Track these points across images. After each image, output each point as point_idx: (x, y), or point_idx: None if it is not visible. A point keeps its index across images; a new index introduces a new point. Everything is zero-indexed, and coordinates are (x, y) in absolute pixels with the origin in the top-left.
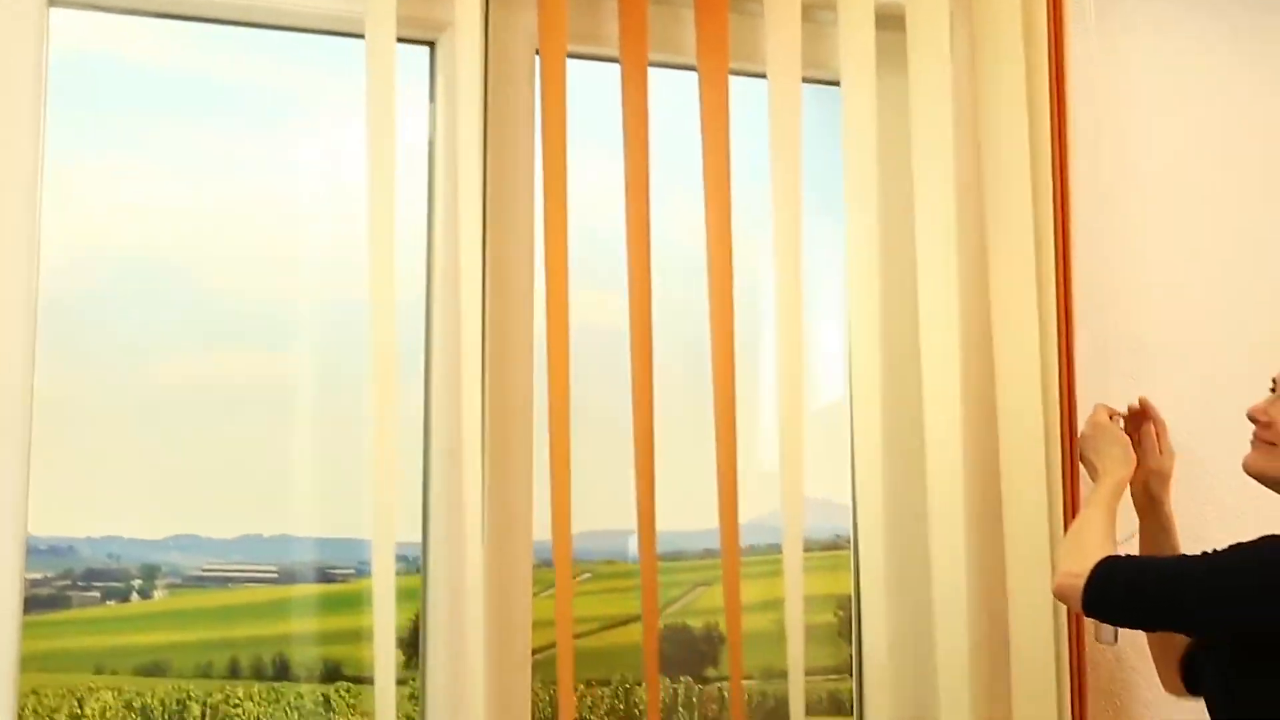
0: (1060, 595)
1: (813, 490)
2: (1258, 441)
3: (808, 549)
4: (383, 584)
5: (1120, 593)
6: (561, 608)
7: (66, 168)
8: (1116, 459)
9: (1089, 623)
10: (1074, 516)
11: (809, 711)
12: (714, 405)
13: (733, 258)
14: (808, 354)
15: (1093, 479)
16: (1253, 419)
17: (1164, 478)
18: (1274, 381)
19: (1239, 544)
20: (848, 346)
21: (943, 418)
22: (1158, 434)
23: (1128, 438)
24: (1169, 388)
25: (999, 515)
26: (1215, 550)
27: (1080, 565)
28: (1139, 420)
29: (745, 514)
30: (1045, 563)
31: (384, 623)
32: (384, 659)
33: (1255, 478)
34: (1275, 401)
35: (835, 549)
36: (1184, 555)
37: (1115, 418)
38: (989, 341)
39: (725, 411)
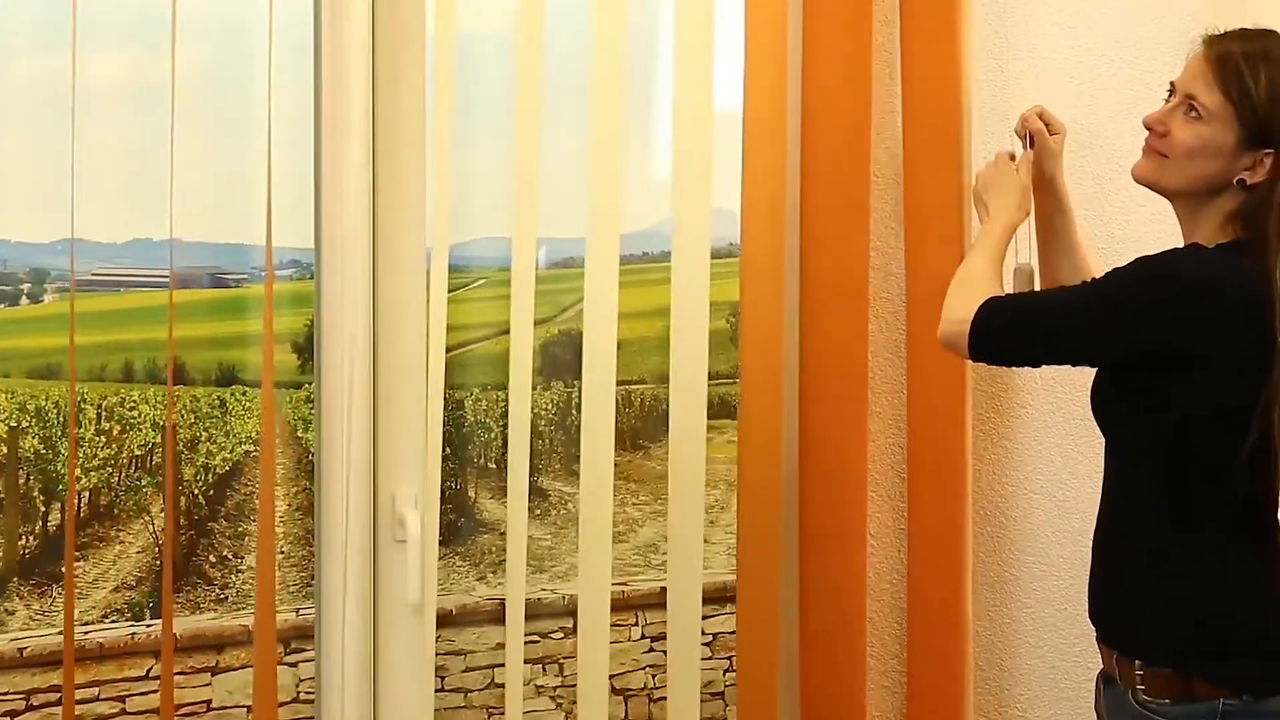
0: (946, 343)
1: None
2: (1149, 150)
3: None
4: None
5: (1002, 334)
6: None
7: None
8: (1010, 205)
9: None
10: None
11: None
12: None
13: None
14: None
15: (981, 220)
16: (1148, 126)
17: (1055, 155)
18: (1171, 86)
19: (1114, 270)
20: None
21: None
22: (1047, 121)
23: (1028, 184)
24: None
25: (897, 213)
26: (1092, 280)
27: (964, 311)
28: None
29: (640, 222)
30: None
31: None
32: None
33: (1145, 185)
34: (1172, 110)
35: (729, 257)
36: (1063, 288)
37: (1044, 116)
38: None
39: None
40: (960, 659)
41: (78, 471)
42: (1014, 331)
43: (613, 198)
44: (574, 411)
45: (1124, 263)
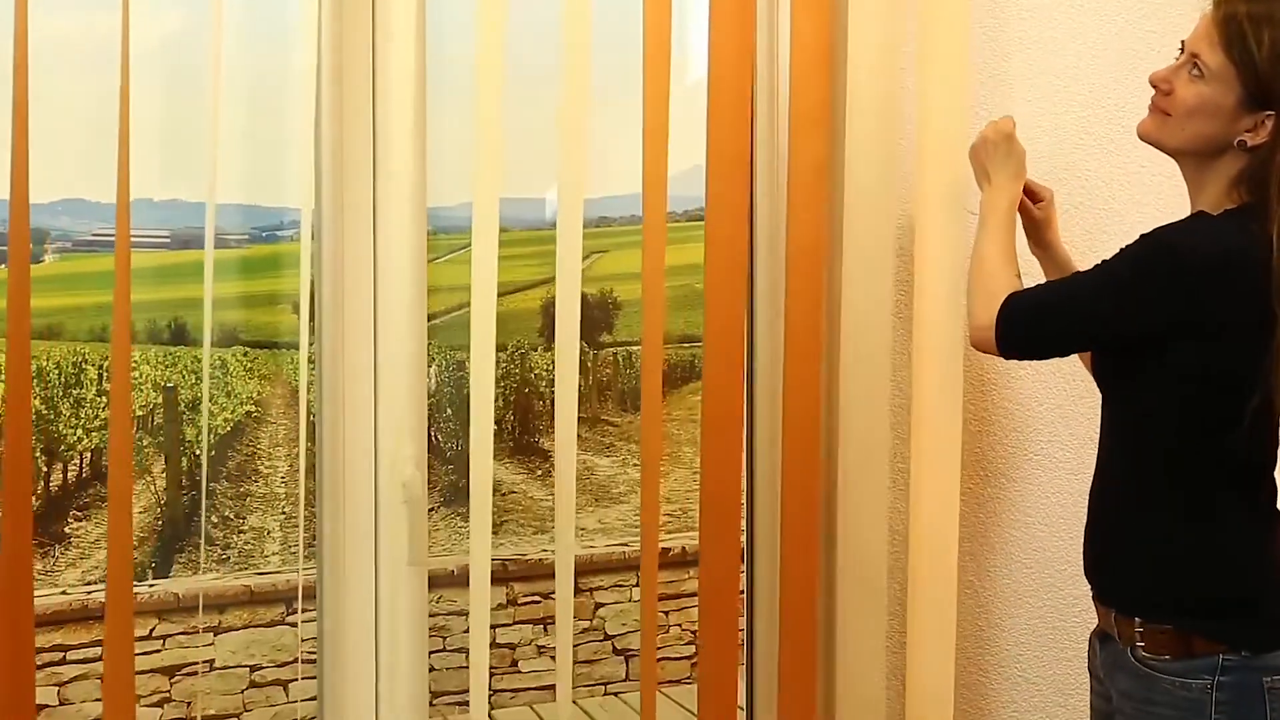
0: (980, 349)
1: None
2: (1154, 108)
3: (697, 218)
4: None
5: (1027, 334)
6: None
7: None
8: (1011, 173)
9: None
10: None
11: (695, 377)
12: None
13: None
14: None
15: (979, 185)
16: (1154, 84)
17: (1046, 224)
18: (1181, 45)
19: (1121, 250)
20: None
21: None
22: (1029, 192)
23: (1024, 152)
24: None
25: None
26: (1103, 262)
27: (987, 315)
28: None
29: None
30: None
31: None
32: None
33: (1148, 143)
34: (1178, 69)
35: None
36: (1077, 274)
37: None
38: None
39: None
40: (949, 618)
41: (79, 432)
42: (1036, 330)
43: (580, 160)
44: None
45: (1126, 227)
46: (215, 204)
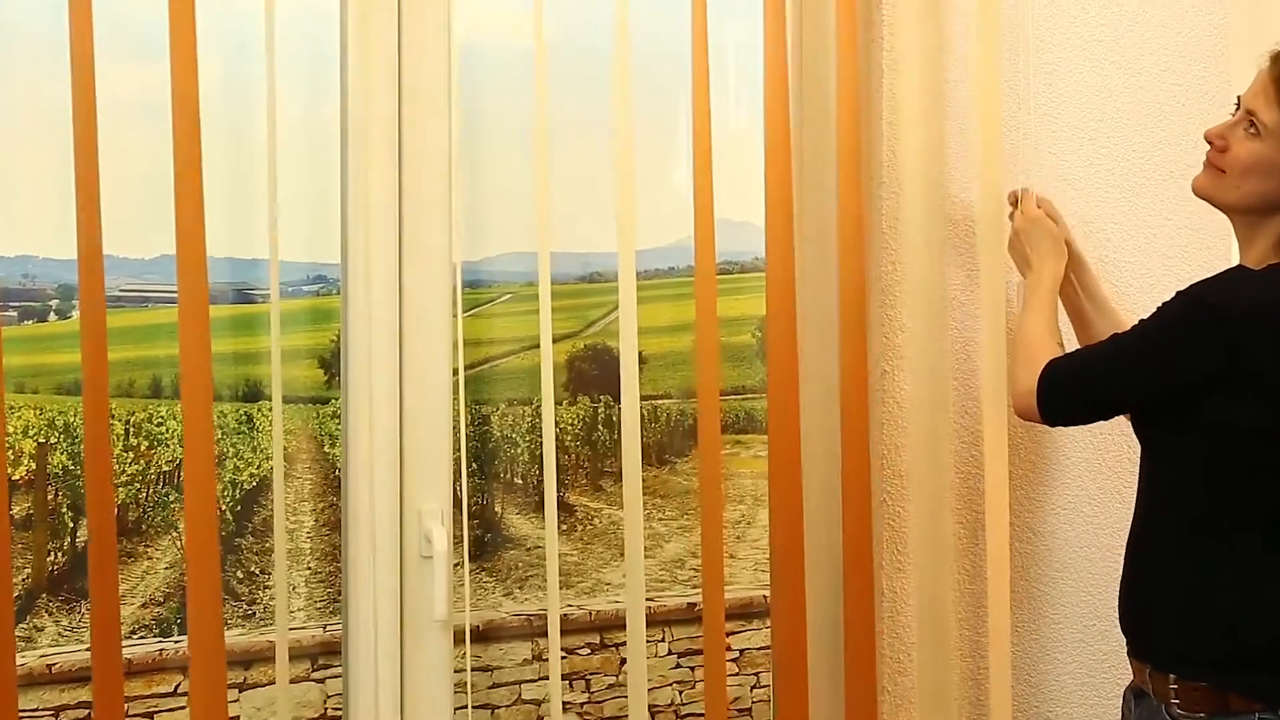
0: (1024, 416)
1: (733, 213)
2: (1209, 165)
3: (727, 271)
4: None
5: (1068, 399)
6: None
7: None
8: (1049, 252)
9: None
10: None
11: (727, 429)
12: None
13: None
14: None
15: (1022, 273)
16: (1209, 140)
17: (1057, 219)
18: (1238, 100)
19: (1158, 309)
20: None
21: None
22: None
23: (1058, 229)
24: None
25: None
26: (1139, 323)
27: (1029, 381)
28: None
29: (666, 237)
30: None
31: None
32: None
33: (1203, 199)
34: (1233, 126)
35: (757, 271)
36: (1115, 336)
37: (1040, 202)
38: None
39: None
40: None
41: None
42: (1078, 394)
43: (630, 212)
44: (600, 427)
45: (1151, 279)
46: (267, 258)
